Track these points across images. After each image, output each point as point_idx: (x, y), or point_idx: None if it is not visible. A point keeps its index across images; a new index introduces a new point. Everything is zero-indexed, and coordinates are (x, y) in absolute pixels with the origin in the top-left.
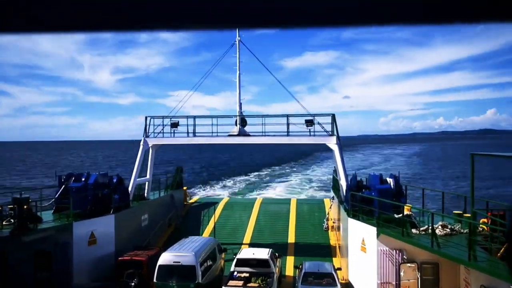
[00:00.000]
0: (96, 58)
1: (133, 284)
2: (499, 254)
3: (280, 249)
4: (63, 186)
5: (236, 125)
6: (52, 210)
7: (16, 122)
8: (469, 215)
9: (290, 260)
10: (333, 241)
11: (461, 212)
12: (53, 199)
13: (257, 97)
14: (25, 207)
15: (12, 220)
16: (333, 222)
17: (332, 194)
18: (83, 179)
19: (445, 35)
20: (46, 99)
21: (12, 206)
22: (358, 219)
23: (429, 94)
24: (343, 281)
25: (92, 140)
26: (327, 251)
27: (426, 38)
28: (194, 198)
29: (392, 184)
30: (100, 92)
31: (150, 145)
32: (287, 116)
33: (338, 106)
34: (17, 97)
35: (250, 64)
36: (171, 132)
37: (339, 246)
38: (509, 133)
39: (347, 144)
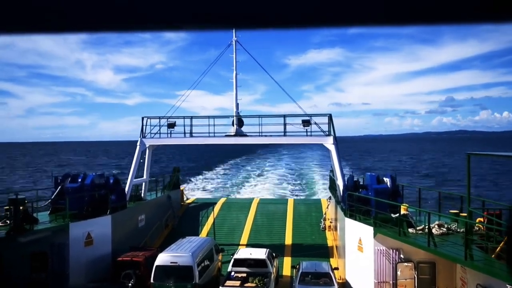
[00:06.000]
0: (98, 57)
1: (130, 284)
2: (495, 253)
3: (277, 249)
4: (60, 187)
5: (233, 125)
6: (49, 211)
7: (27, 122)
8: (465, 214)
9: (287, 260)
10: (330, 241)
11: (457, 211)
12: (50, 200)
13: (265, 96)
14: (21, 208)
15: (8, 221)
16: (330, 222)
17: (329, 194)
18: (80, 179)
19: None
20: (54, 100)
21: (8, 207)
22: (355, 219)
23: (439, 93)
24: (340, 281)
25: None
26: (324, 251)
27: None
28: (191, 199)
29: (389, 183)
30: (106, 92)
31: (147, 146)
32: (284, 116)
33: (347, 105)
34: (25, 99)
35: (257, 63)
36: (168, 133)
37: (336, 246)
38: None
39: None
